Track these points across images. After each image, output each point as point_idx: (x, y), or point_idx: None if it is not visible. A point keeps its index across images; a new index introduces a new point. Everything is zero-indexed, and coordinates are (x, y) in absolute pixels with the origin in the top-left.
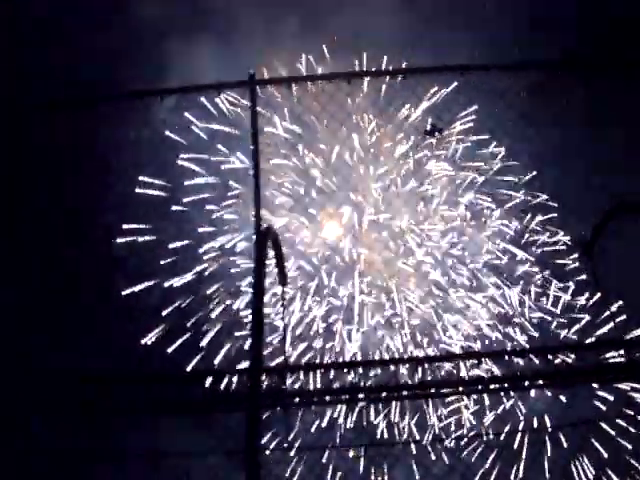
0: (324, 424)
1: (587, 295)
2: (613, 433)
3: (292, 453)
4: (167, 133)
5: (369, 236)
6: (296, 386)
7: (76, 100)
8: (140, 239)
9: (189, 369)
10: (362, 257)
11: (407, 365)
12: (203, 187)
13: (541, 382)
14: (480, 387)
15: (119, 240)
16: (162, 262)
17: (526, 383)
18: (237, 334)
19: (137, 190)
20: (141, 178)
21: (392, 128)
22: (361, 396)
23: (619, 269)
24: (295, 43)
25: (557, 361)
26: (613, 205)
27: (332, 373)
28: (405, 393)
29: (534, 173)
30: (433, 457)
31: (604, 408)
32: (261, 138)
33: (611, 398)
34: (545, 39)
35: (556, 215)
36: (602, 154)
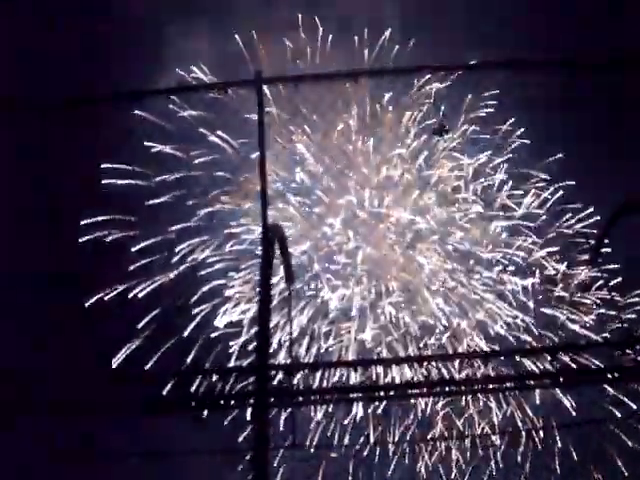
0: (327, 422)
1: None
2: (619, 433)
3: (298, 451)
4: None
5: (371, 229)
6: (299, 384)
7: (87, 99)
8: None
9: (195, 366)
10: (361, 252)
11: (413, 364)
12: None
13: (547, 381)
14: (485, 386)
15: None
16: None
17: (532, 382)
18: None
19: (127, 182)
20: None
21: (396, 117)
22: (367, 394)
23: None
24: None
25: (565, 359)
26: (618, 207)
27: (337, 371)
28: (411, 391)
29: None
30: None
31: (613, 409)
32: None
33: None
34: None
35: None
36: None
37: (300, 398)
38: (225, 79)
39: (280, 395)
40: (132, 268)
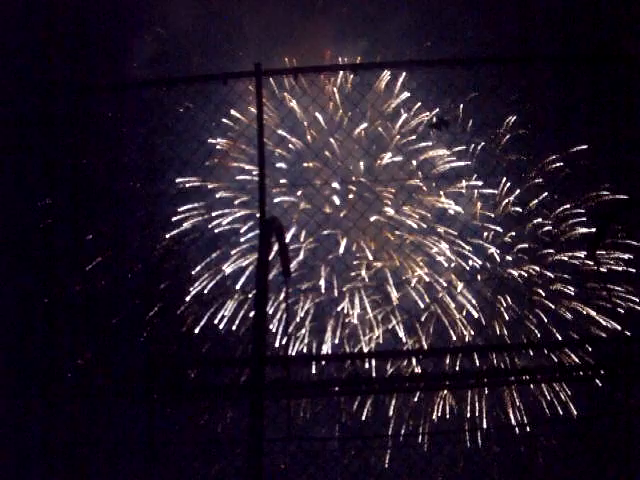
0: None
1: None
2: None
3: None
4: None
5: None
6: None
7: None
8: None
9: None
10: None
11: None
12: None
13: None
14: (479, 381)
15: None
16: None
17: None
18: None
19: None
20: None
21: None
22: (364, 387)
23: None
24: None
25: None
26: (611, 208)
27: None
28: (407, 385)
29: None
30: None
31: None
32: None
33: None
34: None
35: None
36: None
37: (300, 390)
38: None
39: (278, 388)
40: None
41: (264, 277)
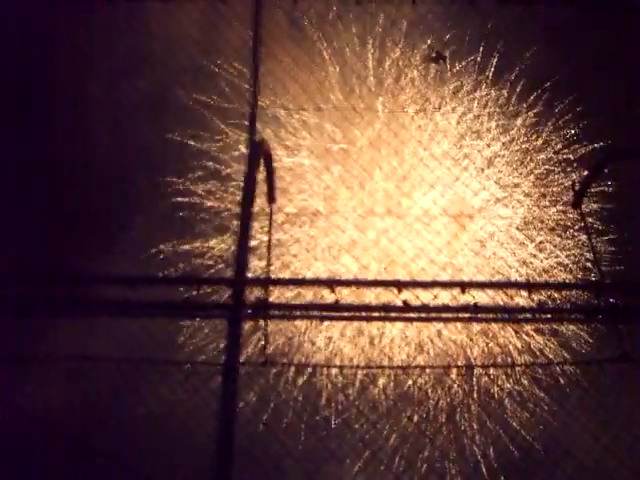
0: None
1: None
2: None
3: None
4: None
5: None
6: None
7: None
8: None
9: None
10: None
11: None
12: None
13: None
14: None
15: None
16: None
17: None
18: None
19: None
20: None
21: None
22: (346, 314)
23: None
24: None
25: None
26: (601, 156)
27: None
28: (391, 314)
29: None
30: None
31: None
32: None
33: None
34: None
35: None
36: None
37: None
38: None
39: (258, 309)
40: None
41: (251, 196)
